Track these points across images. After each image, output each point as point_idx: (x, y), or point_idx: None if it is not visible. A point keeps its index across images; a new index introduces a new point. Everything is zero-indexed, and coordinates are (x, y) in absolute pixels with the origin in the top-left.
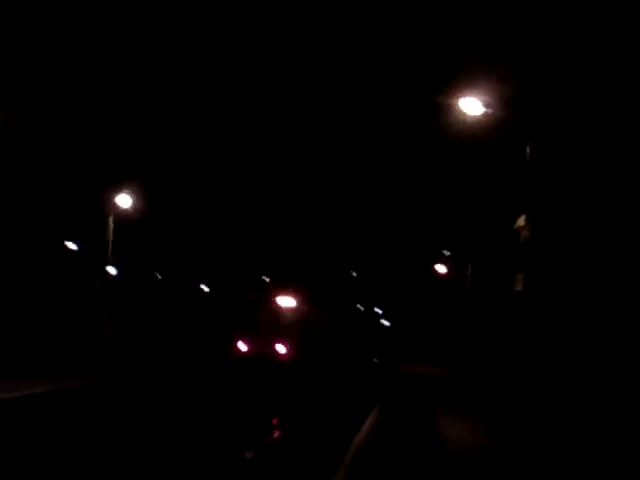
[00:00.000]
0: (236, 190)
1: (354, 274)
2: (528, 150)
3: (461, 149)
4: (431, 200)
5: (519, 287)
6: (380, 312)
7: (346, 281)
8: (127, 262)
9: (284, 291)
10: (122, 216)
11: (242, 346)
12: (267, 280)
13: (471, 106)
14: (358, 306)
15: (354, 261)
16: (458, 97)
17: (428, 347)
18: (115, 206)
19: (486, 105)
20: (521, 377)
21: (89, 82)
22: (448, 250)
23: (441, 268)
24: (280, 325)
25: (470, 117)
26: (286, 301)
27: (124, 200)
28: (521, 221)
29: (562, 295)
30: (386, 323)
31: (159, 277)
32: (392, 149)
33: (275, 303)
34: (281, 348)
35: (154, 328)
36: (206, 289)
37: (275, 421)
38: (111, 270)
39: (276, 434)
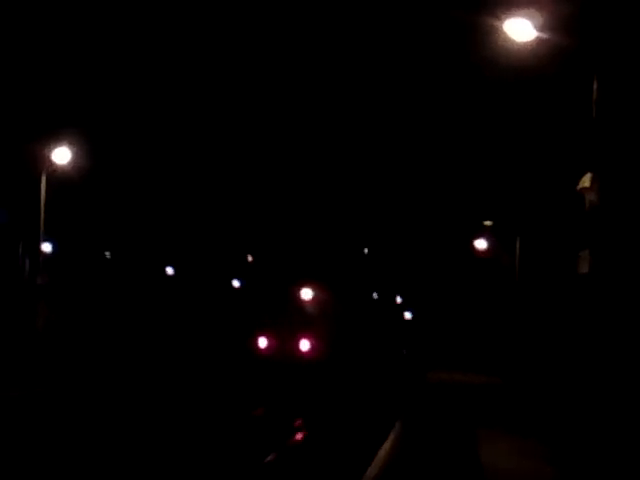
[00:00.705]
0: (212, 146)
1: (366, 251)
2: (595, 86)
3: (507, 87)
4: (468, 154)
5: (584, 269)
6: (401, 301)
7: (355, 260)
8: (65, 236)
9: (303, 282)
10: (59, 176)
11: (262, 342)
12: (250, 259)
13: (520, 29)
14: (372, 294)
15: (366, 234)
16: (503, 18)
17: (462, 347)
18: (50, 162)
19: (539, 28)
20: (587, 386)
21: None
22: (490, 220)
23: (480, 244)
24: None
25: (519, 43)
26: (307, 293)
27: (62, 154)
28: (586, 181)
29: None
30: (408, 316)
31: (108, 256)
32: (417, 86)
33: (296, 295)
34: (305, 344)
35: (103, 322)
36: (171, 272)
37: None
38: (45, 247)
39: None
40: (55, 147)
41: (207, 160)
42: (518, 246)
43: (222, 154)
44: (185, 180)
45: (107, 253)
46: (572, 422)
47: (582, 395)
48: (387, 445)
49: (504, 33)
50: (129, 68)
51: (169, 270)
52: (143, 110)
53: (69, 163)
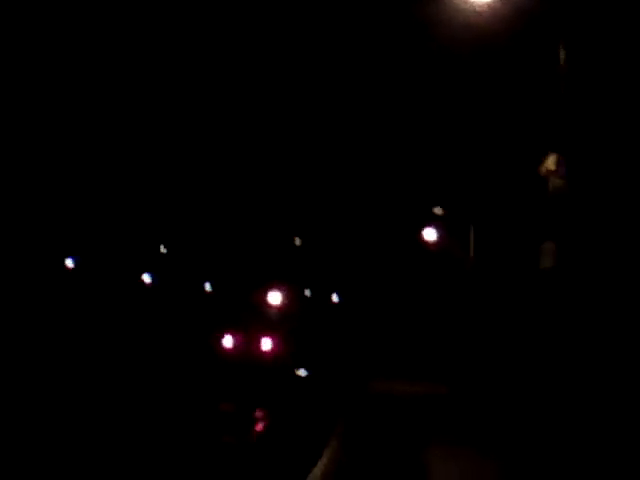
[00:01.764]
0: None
1: (297, 242)
2: (562, 55)
3: (462, 54)
4: (414, 131)
5: (547, 263)
6: (338, 300)
7: (285, 253)
8: None
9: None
10: None
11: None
12: (164, 251)
13: None
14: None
15: (298, 223)
16: None
17: (409, 353)
18: None
19: None
20: (547, 394)
21: None
22: (440, 208)
23: (429, 234)
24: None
25: (477, 4)
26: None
27: None
28: (550, 163)
29: (612, 275)
30: (343, 316)
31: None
32: (358, 50)
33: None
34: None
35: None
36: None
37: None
38: None
39: None
40: None
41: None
42: (472, 237)
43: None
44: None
45: None
46: (529, 436)
47: (540, 405)
48: (318, 470)
49: None
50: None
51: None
52: None
53: None
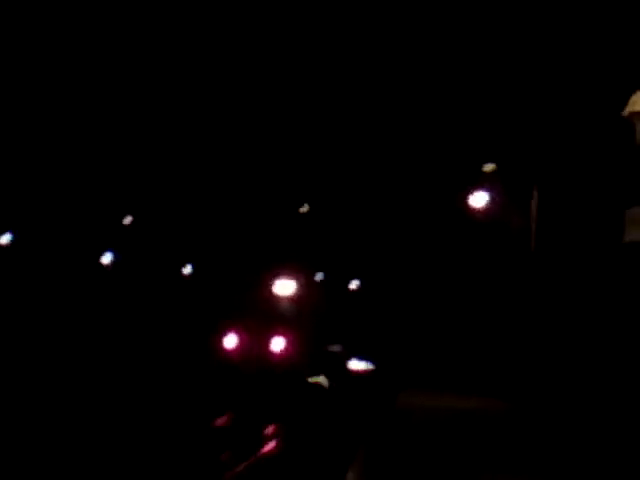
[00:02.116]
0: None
1: (304, 209)
2: None
3: None
4: (456, 63)
5: (635, 235)
6: (357, 288)
7: (289, 224)
8: None
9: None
10: None
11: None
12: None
13: None
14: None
15: (305, 181)
16: None
17: (452, 357)
18: None
19: None
20: None
21: None
22: (492, 163)
23: (478, 198)
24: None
25: None
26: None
27: None
28: (637, 102)
29: None
30: (366, 309)
31: None
32: None
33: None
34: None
35: None
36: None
37: None
38: None
39: None
40: None
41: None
42: (535, 202)
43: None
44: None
45: None
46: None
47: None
48: None
49: None
50: None
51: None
52: None
53: None
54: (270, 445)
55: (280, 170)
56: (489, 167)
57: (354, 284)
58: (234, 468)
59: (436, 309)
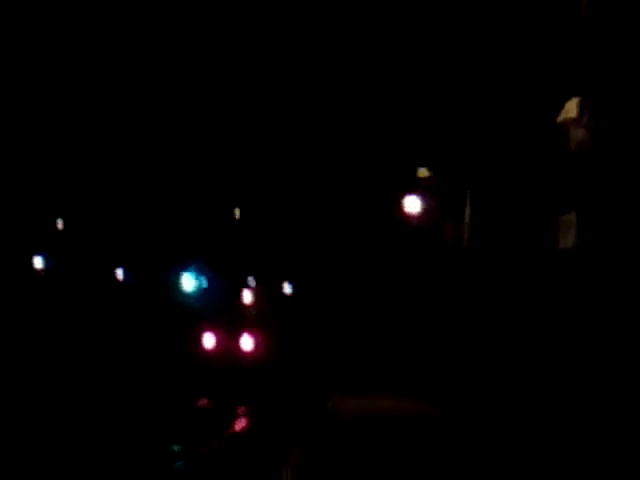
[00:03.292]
0: None
1: (236, 214)
2: None
3: None
4: (392, 70)
5: (568, 241)
6: (292, 292)
7: (220, 228)
8: None
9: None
10: None
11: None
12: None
13: None
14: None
15: (238, 189)
16: None
17: (383, 359)
18: None
19: None
20: (569, 414)
21: None
22: (426, 168)
23: (412, 204)
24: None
25: None
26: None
27: None
28: (571, 109)
29: None
30: (298, 313)
31: None
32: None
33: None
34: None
35: None
36: None
37: None
38: None
39: None
40: None
41: None
42: (468, 208)
43: None
44: None
45: None
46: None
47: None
48: None
49: None
50: None
51: None
52: None
53: None
54: (240, 423)
55: (211, 174)
56: (422, 172)
57: (287, 288)
58: (210, 443)
59: (367, 312)
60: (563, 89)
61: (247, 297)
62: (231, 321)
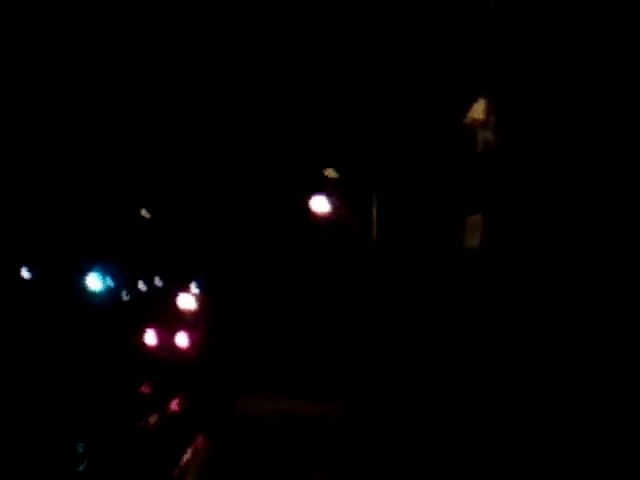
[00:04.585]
0: None
1: (145, 214)
2: None
3: None
4: (299, 69)
5: (473, 241)
6: (198, 291)
7: (127, 229)
8: None
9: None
10: None
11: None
12: None
13: None
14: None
15: (145, 189)
16: None
17: (290, 360)
18: None
19: None
20: (474, 415)
21: None
22: (333, 169)
23: (320, 204)
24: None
25: None
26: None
27: None
28: (478, 111)
29: (554, 258)
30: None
31: None
32: None
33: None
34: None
35: None
36: None
37: None
38: None
39: None
40: None
41: None
42: (375, 208)
43: None
44: None
45: None
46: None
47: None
48: None
49: None
50: None
51: None
52: None
53: None
54: (174, 405)
55: (118, 173)
56: (330, 172)
57: (193, 287)
58: (149, 419)
59: (276, 312)
60: (470, 89)
61: (186, 301)
62: (167, 320)
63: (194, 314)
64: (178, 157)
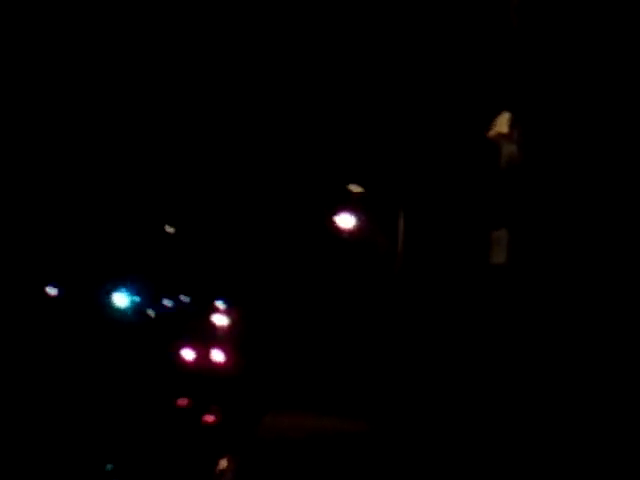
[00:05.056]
0: None
1: (170, 230)
2: None
3: None
4: (322, 86)
5: (499, 257)
6: (225, 308)
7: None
8: None
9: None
10: None
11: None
12: None
13: None
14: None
15: (170, 205)
16: None
17: (316, 377)
18: None
19: None
20: (503, 432)
21: None
22: (358, 185)
23: (345, 220)
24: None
25: None
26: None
27: None
28: (502, 125)
29: (580, 274)
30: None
31: None
32: None
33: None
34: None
35: None
36: None
37: None
38: None
39: None
40: None
41: None
42: (401, 223)
43: None
44: None
45: None
46: None
47: (496, 444)
48: None
49: None
50: None
51: None
52: None
53: None
54: (211, 417)
55: (143, 190)
56: (356, 188)
57: (219, 304)
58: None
59: (302, 329)
60: (494, 104)
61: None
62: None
63: (227, 331)
64: (202, 173)
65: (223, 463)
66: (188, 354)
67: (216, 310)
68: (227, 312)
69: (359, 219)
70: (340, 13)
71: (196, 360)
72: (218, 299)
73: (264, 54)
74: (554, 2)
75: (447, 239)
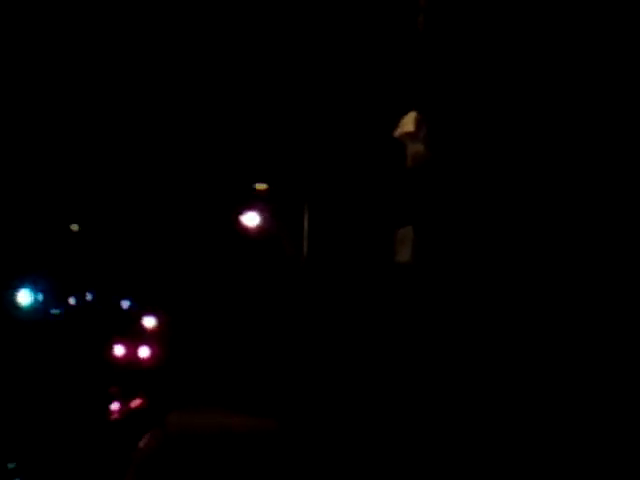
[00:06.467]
0: None
1: (74, 228)
2: None
3: None
4: (228, 82)
5: (404, 255)
6: (129, 306)
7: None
8: None
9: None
10: None
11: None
12: None
13: None
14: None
15: (74, 203)
16: None
17: (221, 375)
18: None
19: None
20: (405, 430)
21: None
22: (263, 183)
23: (250, 218)
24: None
25: None
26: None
27: None
28: (408, 124)
29: (486, 273)
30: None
31: None
32: None
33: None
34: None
35: None
36: None
37: None
38: None
39: None
40: None
41: None
42: (306, 221)
43: None
44: None
45: None
46: None
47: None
48: None
49: None
50: None
51: None
52: None
53: None
54: (137, 402)
55: (50, 187)
56: (260, 186)
57: (124, 303)
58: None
59: (207, 327)
60: (400, 102)
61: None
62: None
63: (154, 330)
64: (108, 170)
65: (144, 440)
66: (118, 350)
67: (147, 311)
68: (155, 314)
69: (264, 217)
70: (245, 8)
71: (125, 355)
72: (123, 298)
73: (171, 52)
74: (461, 2)
75: (352, 237)
